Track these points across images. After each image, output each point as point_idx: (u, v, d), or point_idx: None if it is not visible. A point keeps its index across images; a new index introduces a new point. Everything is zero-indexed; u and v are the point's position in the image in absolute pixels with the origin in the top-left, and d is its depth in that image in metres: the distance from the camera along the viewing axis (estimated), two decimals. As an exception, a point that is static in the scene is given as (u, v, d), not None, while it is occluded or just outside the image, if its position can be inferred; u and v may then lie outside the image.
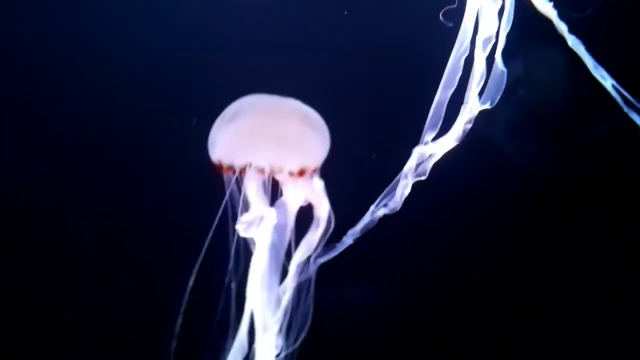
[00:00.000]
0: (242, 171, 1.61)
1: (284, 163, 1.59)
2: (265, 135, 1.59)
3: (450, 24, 1.83)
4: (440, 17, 1.84)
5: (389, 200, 1.75)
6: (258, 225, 1.61)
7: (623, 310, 2.07)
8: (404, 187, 1.76)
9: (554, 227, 2.09)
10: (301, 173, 1.61)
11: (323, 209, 1.65)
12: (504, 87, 1.79)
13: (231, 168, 1.61)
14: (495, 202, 2.07)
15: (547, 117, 2.06)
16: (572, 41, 1.77)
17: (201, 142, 1.73)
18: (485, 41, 1.77)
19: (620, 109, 1.80)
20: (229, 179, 1.62)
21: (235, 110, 1.66)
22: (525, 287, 2.08)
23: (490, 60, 1.78)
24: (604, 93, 1.80)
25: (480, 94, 1.80)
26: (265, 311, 1.62)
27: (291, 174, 1.59)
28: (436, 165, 1.79)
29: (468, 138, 1.80)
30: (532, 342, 2.08)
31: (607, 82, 1.76)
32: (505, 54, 1.78)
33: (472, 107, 1.81)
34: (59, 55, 2.10)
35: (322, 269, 1.73)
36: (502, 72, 1.78)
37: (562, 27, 1.77)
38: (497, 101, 1.80)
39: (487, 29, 1.77)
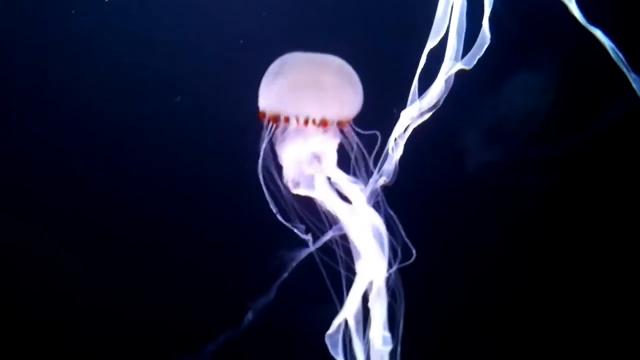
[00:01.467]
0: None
1: (323, 112, 1.70)
2: (305, 87, 1.72)
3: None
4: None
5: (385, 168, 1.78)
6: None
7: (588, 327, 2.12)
8: (395, 152, 1.78)
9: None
10: (338, 124, 1.75)
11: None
12: (484, 48, 1.79)
13: (276, 118, 1.73)
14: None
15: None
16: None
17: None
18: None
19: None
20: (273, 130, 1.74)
21: (278, 66, 1.77)
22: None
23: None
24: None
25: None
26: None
27: (326, 123, 1.71)
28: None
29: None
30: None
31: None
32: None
33: (451, 65, 1.82)
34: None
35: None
36: (486, 35, 1.78)
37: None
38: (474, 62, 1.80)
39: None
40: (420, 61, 1.78)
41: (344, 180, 1.76)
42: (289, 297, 1.91)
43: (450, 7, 1.80)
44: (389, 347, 1.67)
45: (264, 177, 1.77)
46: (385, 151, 1.77)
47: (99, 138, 2.14)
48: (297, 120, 1.70)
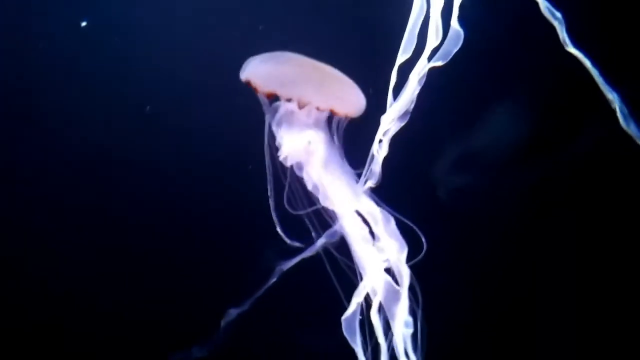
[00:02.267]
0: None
1: (325, 99, 1.80)
2: (311, 73, 1.82)
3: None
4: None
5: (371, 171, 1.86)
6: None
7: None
8: (380, 154, 1.86)
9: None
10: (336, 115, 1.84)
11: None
12: (458, 46, 1.85)
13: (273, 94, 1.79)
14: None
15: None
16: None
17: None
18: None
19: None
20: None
21: (280, 55, 1.86)
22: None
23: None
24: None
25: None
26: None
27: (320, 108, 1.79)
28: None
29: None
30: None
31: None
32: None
33: (424, 63, 1.87)
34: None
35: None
36: (458, 32, 1.84)
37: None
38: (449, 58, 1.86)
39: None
40: (395, 65, 1.85)
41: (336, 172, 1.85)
42: (295, 296, 2.01)
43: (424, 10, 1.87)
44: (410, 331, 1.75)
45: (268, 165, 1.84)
46: (370, 154, 1.86)
47: (101, 137, 2.18)
48: (297, 102, 1.78)
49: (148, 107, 2.20)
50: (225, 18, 2.16)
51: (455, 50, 1.85)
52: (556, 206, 2.15)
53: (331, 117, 1.87)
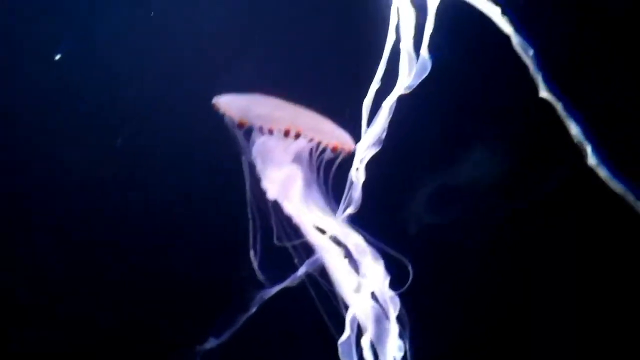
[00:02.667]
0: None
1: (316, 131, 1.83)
2: (287, 108, 1.85)
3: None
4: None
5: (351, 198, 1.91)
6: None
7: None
8: (358, 180, 1.91)
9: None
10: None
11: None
12: (425, 74, 1.91)
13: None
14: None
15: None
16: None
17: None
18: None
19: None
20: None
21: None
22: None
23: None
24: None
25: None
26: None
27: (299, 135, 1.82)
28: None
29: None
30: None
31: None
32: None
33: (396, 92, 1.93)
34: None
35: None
36: (426, 62, 1.90)
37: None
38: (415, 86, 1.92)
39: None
40: (368, 94, 1.92)
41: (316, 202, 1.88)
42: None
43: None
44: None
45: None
46: (349, 180, 1.90)
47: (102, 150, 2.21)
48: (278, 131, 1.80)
49: (119, 139, 2.21)
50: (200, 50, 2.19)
51: (422, 77, 1.91)
52: (529, 236, 2.18)
53: (311, 151, 1.89)
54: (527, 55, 1.80)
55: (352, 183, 1.90)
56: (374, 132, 1.94)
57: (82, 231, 2.21)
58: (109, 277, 2.21)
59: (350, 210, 1.90)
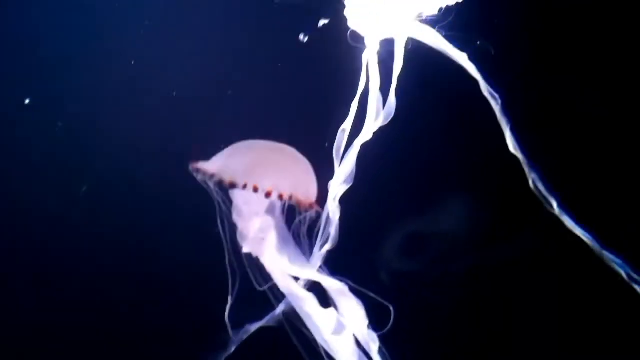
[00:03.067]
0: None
1: (281, 188, 1.79)
2: (267, 164, 1.82)
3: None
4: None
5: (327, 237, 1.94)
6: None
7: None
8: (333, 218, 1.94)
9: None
10: (290, 198, 1.83)
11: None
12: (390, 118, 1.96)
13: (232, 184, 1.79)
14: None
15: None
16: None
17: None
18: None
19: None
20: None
21: (235, 147, 1.86)
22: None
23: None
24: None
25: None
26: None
27: (282, 197, 1.79)
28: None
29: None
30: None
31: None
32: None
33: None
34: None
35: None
36: (392, 106, 1.95)
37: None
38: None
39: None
40: (340, 134, 1.95)
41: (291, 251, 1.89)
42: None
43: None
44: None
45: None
46: (325, 217, 1.93)
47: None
48: (253, 188, 1.77)
49: (84, 188, 2.23)
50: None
51: (388, 120, 1.96)
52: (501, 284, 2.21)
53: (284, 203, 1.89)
54: (495, 103, 1.86)
55: (327, 220, 1.93)
56: (344, 171, 1.98)
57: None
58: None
59: (328, 247, 1.92)
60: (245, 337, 1.97)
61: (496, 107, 1.86)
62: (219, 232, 1.85)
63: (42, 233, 2.22)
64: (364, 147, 1.93)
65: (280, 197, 1.77)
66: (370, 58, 1.94)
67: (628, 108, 2.14)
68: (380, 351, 1.83)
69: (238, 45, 2.20)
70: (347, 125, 1.96)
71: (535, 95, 2.13)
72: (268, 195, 1.75)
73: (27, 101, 2.24)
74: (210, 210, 1.86)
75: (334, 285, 1.85)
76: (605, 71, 2.13)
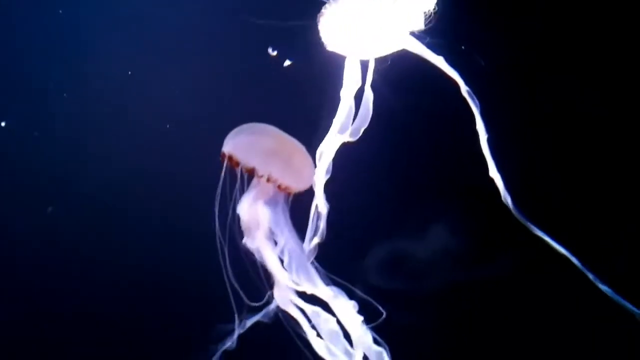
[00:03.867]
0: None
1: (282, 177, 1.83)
2: (280, 151, 1.86)
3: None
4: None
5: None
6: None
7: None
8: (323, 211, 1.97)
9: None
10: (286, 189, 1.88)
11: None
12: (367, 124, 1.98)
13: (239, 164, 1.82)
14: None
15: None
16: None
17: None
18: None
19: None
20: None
21: (253, 127, 1.89)
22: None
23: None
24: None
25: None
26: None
27: (280, 187, 1.84)
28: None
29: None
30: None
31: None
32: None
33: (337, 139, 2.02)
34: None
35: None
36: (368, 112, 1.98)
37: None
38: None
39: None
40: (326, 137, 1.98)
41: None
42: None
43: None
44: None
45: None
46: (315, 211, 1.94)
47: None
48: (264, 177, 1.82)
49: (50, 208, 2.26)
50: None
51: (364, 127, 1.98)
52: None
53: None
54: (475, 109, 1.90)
55: (317, 214, 1.93)
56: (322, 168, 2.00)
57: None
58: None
59: (317, 239, 1.92)
60: (241, 332, 1.95)
61: (476, 113, 1.89)
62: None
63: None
64: (349, 161, 1.97)
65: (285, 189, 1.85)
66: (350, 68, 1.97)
67: (628, 108, 2.14)
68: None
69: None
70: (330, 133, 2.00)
71: (535, 96, 2.16)
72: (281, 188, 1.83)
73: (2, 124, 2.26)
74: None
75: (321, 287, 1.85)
76: (605, 71, 2.13)
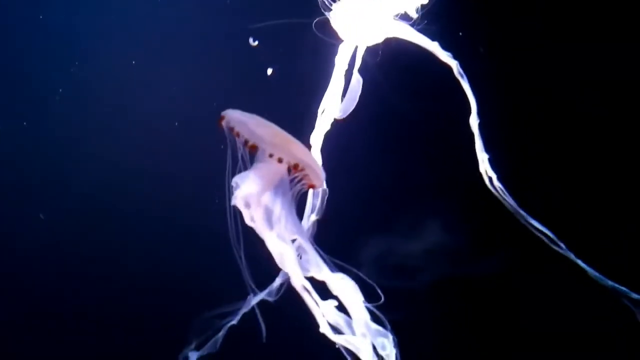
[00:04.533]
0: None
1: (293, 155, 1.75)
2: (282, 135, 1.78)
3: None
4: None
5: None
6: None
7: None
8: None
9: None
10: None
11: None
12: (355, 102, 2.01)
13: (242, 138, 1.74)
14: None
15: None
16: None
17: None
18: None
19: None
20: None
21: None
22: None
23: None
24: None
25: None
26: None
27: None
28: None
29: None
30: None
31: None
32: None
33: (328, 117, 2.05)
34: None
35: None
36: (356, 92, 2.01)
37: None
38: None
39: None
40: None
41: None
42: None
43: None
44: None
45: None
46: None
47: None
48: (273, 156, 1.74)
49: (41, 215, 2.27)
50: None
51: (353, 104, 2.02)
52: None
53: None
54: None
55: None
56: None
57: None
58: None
59: (314, 216, 1.94)
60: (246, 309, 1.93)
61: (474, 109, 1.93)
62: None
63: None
64: (345, 159, 2.01)
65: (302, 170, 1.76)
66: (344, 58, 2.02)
67: (628, 108, 2.15)
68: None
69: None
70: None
71: (535, 96, 2.17)
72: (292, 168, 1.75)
73: None
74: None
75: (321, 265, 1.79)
76: (605, 71, 2.13)
